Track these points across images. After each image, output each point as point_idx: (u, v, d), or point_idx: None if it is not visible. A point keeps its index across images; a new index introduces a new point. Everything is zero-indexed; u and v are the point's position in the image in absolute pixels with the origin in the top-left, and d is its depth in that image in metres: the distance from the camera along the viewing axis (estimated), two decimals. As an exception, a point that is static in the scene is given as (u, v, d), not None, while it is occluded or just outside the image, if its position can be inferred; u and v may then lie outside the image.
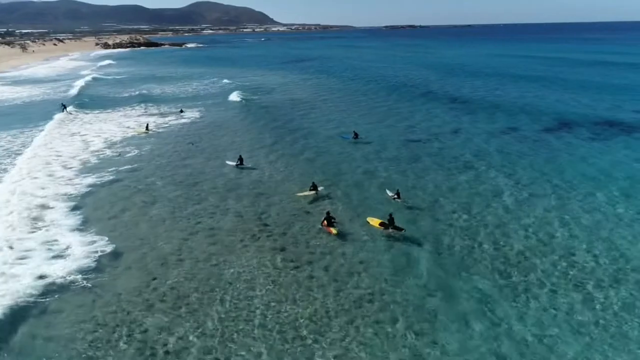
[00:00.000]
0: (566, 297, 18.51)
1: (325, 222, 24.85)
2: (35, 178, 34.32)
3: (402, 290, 19.27)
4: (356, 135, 44.63)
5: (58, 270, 20.98)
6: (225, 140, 46.68)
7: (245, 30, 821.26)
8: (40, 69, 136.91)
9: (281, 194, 30.80)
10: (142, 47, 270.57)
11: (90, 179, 33.99)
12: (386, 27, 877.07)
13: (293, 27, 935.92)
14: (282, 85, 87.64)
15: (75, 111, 62.61)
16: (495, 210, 27.05)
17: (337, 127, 50.70)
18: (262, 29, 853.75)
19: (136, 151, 41.92)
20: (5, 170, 36.41)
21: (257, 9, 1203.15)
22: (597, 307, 17.85)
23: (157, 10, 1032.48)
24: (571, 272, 20.24)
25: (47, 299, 18.99)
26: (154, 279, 20.51)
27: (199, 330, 16.94)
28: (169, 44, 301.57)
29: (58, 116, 58.38)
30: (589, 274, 20.12)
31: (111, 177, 34.37)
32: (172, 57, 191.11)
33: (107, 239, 24.04)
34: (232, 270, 20.95)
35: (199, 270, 21.02)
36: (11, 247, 23.30)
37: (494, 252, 22.20)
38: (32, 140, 46.22)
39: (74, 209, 28.33)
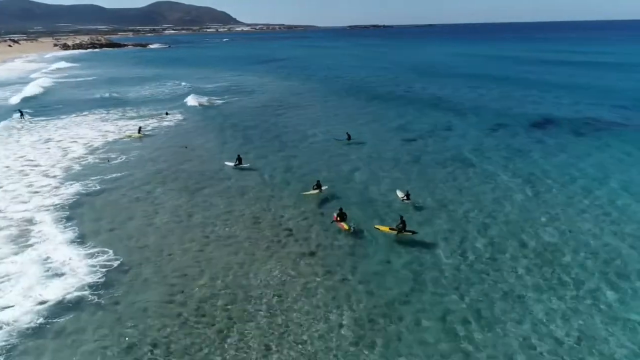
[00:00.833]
0: (599, 291, 18.48)
1: (338, 217, 24.51)
2: (12, 191, 31.61)
3: (431, 291, 18.82)
4: (349, 137, 44.11)
5: (63, 290, 19.25)
6: (216, 141, 45.08)
7: (208, 30, 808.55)
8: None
9: (289, 195, 29.90)
10: (104, 48, 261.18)
11: (78, 188, 31.78)
12: (350, 26, 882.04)
13: (257, 27, 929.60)
14: (260, 87, 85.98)
15: (36, 117, 58.34)
16: (503, 207, 27.07)
17: (323, 127, 49.96)
18: (225, 29, 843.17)
19: (124, 156, 39.69)
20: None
21: (219, 9, 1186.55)
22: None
23: (115, 10, 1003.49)
24: (601, 266, 20.26)
25: (61, 320, 17.33)
26: (181, 291, 19.15)
27: (242, 347, 15.80)
28: (133, 45, 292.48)
29: (10, 123, 54.49)
30: (618, 269, 20.18)
31: (103, 186, 32.25)
32: (138, 58, 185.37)
33: (111, 252, 22.32)
34: (259, 280, 19.84)
35: (225, 282, 19.76)
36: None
37: (514, 249, 22.02)
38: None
39: (67, 221, 26.20)
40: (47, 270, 20.83)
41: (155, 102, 69.81)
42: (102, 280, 19.93)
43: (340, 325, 16.81)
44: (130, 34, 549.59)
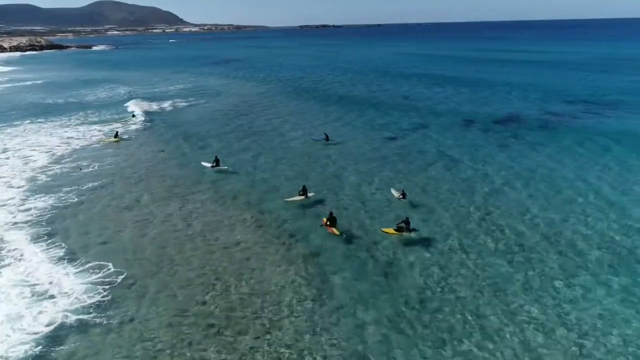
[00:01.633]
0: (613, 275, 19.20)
1: (328, 222, 23.81)
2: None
3: (446, 287, 18.87)
4: (327, 137, 43.75)
5: (59, 314, 17.66)
6: (189, 144, 43.45)
7: (154, 31, 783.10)
8: None
9: (280, 198, 29.02)
10: (45, 50, 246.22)
11: (51, 201, 29.56)
12: (300, 26, 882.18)
13: (205, 28, 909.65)
14: (222, 88, 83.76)
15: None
16: (496, 200, 27.78)
17: (295, 128, 49.42)
18: (172, 30, 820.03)
19: (97, 164, 37.37)
20: None
21: (164, 9, 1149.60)
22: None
23: (53, 10, 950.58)
24: (605, 251, 21.09)
25: (67, 347, 15.88)
26: (203, 302, 18.17)
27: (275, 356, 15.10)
28: (76, 46, 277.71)
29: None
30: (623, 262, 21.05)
31: (81, 197, 30.14)
32: (84, 60, 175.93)
33: (111, 266, 20.89)
34: (274, 286, 19.18)
35: (239, 293, 18.89)
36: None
37: (516, 239, 22.59)
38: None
39: (47, 237, 24.21)
40: (34, 295, 19.04)
41: (116, 105, 66.69)
42: (107, 298, 18.53)
43: (364, 323, 16.68)
44: (70, 35, 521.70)
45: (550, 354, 15.11)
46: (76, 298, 18.69)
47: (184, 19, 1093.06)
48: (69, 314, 17.62)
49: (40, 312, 17.82)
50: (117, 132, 46.66)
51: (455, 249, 22.05)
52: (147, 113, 59.60)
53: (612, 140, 40.06)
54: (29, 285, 19.75)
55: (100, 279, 19.96)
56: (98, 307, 17.97)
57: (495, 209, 26.54)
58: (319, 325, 16.67)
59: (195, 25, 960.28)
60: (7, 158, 40.45)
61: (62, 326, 16.97)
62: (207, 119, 55.53)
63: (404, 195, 28.31)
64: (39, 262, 21.75)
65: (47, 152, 41.91)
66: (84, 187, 31.86)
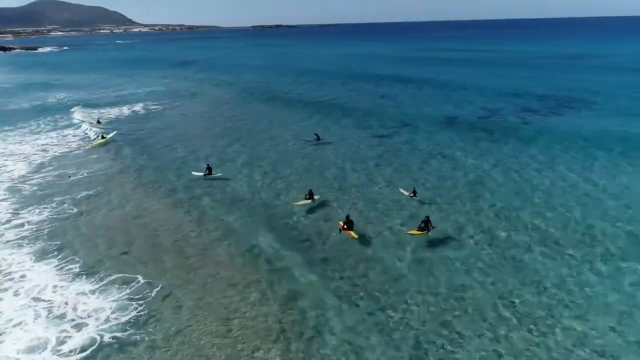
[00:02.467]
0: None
1: (345, 225, 23.71)
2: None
3: (477, 279, 19.30)
4: (318, 137, 43.56)
5: (96, 331, 16.71)
6: (173, 149, 41.99)
7: (102, 31, 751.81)
8: None
9: (287, 203, 28.50)
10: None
11: (45, 213, 27.80)
12: (254, 27, 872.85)
13: (156, 28, 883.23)
14: (191, 91, 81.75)
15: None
16: (505, 194, 28.73)
17: (281, 130, 48.93)
18: (121, 30, 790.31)
19: (85, 171, 35.57)
20: None
21: (111, 9, 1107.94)
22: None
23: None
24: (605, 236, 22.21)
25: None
26: (243, 312, 17.54)
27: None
28: (20, 48, 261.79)
29: None
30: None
31: (79, 207, 28.48)
32: (34, 62, 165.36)
33: (140, 278, 19.86)
34: (306, 291, 18.98)
35: (277, 294, 18.53)
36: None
37: (534, 232, 23.43)
38: None
39: (54, 254, 22.71)
40: (57, 317, 17.72)
41: (83, 109, 63.36)
42: (143, 312, 17.56)
43: (407, 322, 16.88)
44: (10, 36, 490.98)
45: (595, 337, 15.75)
46: (109, 316, 17.63)
47: (133, 19, 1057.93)
48: (104, 333, 16.63)
49: (68, 336, 16.64)
50: (102, 134, 44.64)
51: (475, 242, 22.58)
52: (116, 118, 57.12)
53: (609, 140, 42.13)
54: (48, 308, 18.42)
55: (130, 294, 18.92)
56: (136, 323, 17.04)
57: (498, 200, 27.46)
58: (361, 327, 16.65)
59: (145, 26, 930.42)
60: (-21, 169, 37.59)
61: (100, 347, 15.98)
62: (185, 122, 53.92)
63: (414, 193, 28.55)
64: (53, 281, 20.35)
65: (23, 160, 39.43)
66: (79, 197, 30.16)
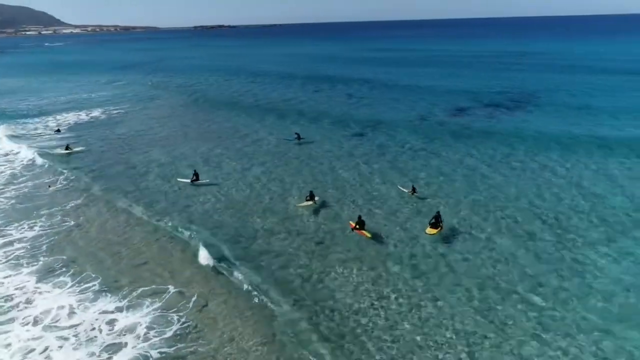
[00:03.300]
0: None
1: (357, 225, 24.03)
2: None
3: (496, 269, 20.29)
4: (299, 137, 43.49)
5: (141, 347, 16.00)
6: (146, 155, 40.41)
7: (28, 33, 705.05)
8: None
9: (286, 206, 28.29)
10: None
11: (37, 228, 25.94)
12: (196, 27, 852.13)
13: (89, 29, 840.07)
14: (148, 94, 78.61)
15: None
16: (500, 186, 30.26)
17: (257, 131, 48.39)
18: (50, 32, 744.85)
19: (59, 178, 33.73)
20: None
21: (37, 9, 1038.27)
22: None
23: None
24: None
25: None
26: (283, 314, 17.35)
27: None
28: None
29: None
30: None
31: (70, 218, 26.83)
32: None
33: (170, 288, 19.18)
34: (348, 290, 19.23)
35: (319, 303, 18.50)
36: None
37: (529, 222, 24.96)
38: None
39: (61, 271, 21.31)
40: (83, 340, 16.64)
41: (33, 117, 59.28)
42: (188, 324, 16.87)
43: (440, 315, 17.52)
44: None
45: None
46: (147, 333, 16.78)
47: (62, 20, 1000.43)
48: (150, 350, 15.84)
49: (108, 359, 15.70)
50: (67, 144, 42.08)
51: (483, 235, 23.60)
52: (76, 125, 53.91)
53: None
54: (73, 333, 17.13)
55: (163, 306, 18.05)
56: (182, 336, 16.33)
57: (494, 192, 28.95)
58: (400, 326, 17.10)
59: (76, 27, 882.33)
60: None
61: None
62: (154, 127, 51.51)
63: (414, 190, 29.24)
64: (68, 302, 18.95)
65: (-15, 173, 36.22)
66: (67, 207, 28.37)
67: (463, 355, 15.27)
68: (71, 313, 18.24)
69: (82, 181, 33.44)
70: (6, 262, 22.36)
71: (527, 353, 15.33)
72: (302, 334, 16.43)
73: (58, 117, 59.07)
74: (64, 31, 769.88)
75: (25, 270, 21.55)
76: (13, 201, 30.00)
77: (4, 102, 72.79)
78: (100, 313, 18.10)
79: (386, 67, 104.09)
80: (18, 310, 18.63)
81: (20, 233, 25.33)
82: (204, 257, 21.39)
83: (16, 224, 26.47)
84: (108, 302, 18.70)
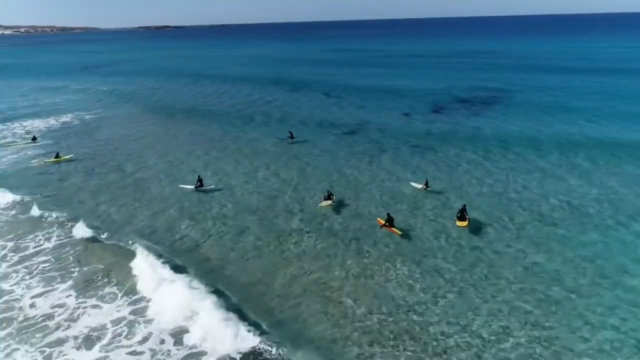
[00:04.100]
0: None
1: (387, 222, 24.70)
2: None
3: (533, 261, 21.71)
4: (292, 135, 43.82)
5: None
6: (138, 162, 39.18)
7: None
8: None
9: (305, 207, 28.47)
10: None
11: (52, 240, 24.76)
12: (139, 27, 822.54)
13: (22, 30, 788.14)
14: (115, 97, 75.76)
15: None
16: (512, 180, 31.93)
17: (247, 132, 48.16)
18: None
19: (52, 190, 32.67)
20: None
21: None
22: None
23: None
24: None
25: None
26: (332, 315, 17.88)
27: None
28: None
29: None
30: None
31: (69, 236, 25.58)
32: None
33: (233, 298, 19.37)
34: (390, 288, 19.89)
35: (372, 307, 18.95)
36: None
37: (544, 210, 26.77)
38: None
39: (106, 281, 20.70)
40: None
41: (3, 122, 55.65)
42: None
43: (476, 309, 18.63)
44: None
45: None
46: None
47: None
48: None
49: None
50: (57, 152, 40.29)
51: (512, 225, 24.93)
52: (50, 132, 51.29)
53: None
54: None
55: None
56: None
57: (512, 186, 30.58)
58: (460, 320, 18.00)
59: (8, 28, 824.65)
60: None
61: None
62: (136, 133, 49.90)
63: (427, 185, 30.32)
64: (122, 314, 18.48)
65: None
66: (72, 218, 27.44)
67: (539, 349, 16.19)
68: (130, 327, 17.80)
69: (86, 190, 32.25)
70: (35, 276, 21.31)
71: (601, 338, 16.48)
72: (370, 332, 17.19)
73: (25, 123, 55.80)
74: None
75: (60, 286, 20.62)
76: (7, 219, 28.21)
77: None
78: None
79: (351, 67, 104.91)
80: (62, 330, 17.83)
81: (39, 245, 24.17)
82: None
83: (31, 235, 25.19)
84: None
